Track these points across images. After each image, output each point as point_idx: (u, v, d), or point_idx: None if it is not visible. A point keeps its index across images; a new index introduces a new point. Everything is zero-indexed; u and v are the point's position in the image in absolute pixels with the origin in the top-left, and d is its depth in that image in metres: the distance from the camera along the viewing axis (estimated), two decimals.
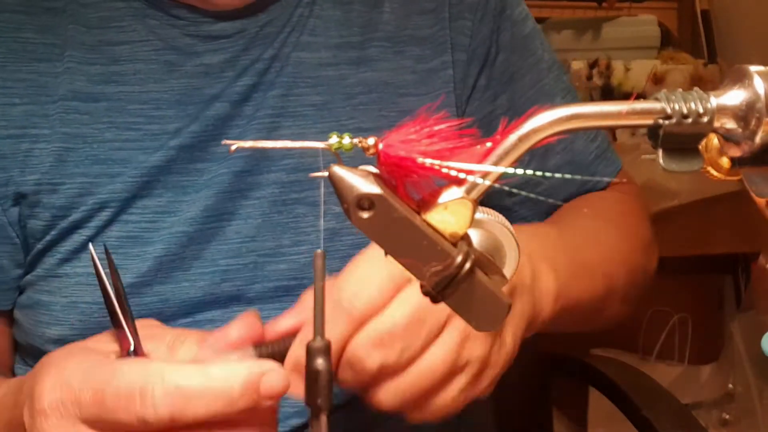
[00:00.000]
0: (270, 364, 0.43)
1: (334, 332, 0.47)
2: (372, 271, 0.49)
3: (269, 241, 0.64)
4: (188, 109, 0.64)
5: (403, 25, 0.70)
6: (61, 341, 0.62)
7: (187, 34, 0.64)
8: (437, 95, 0.70)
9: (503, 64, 0.74)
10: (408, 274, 0.45)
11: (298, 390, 0.42)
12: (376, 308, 0.48)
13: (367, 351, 0.48)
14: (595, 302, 0.67)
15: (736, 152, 0.32)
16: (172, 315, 0.63)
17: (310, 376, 0.33)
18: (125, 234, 0.63)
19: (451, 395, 0.51)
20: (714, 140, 0.34)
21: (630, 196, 0.80)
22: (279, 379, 0.42)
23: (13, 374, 0.68)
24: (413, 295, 0.48)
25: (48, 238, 0.62)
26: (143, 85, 0.63)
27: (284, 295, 0.64)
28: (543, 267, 0.58)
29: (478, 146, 0.31)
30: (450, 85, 0.71)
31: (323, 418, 0.33)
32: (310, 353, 0.33)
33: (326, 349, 0.33)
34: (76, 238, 0.62)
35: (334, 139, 0.32)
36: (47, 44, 0.63)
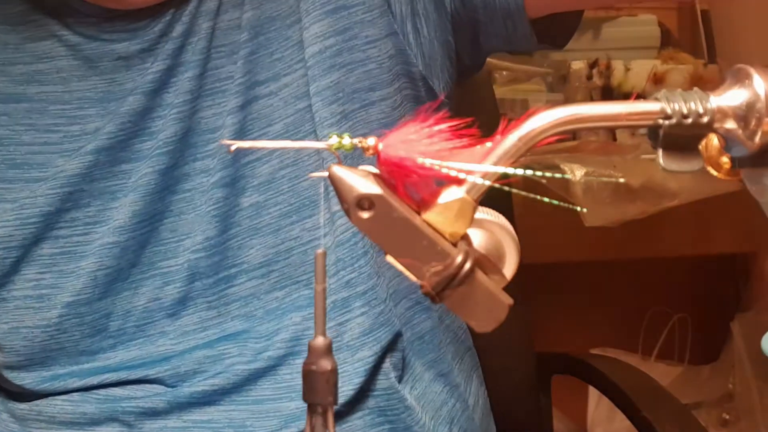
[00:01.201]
0: None
1: None
2: None
3: (200, 235, 0.61)
4: (110, 106, 0.60)
5: None
6: (11, 367, 0.61)
7: (102, 30, 0.60)
8: (323, 13, 0.62)
9: None
10: None
11: None
12: None
13: None
14: None
15: (735, 152, 0.32)
16: (118, 330, 0.61)
17: (313, 375, 0.33)
18: (57, 250, 0.59)
19: None
20: (714, 140, 0.34)
21: None
22: None
23: None
24: None
25: None
26: (66, 84, 0.60)
27: (227, 286, 0.61)
28: None
29: (478, 146, 0.32)
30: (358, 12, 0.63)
31: (330, 415, 0.33)
32: (313, 352, 0.33)
33: (329, 348, 0.33)
34: (7, 260, 0.59)
35: (334, 140, 0.32)
36: None
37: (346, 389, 0.60)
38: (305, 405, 0.32)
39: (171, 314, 0.61)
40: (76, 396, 0.61)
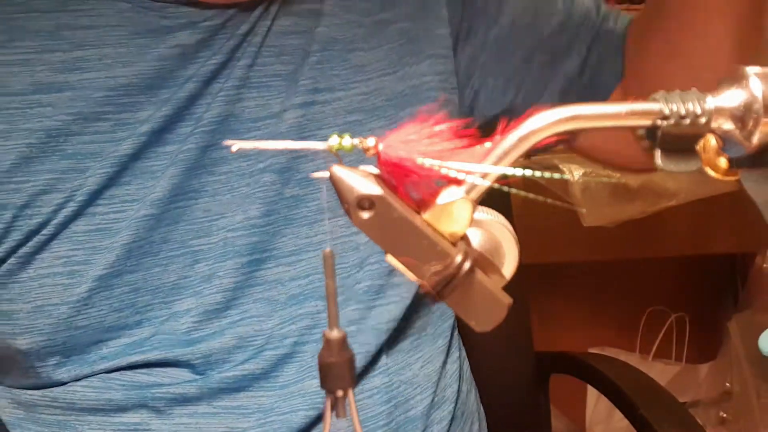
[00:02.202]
0: None
1: None
2: None
3: (238, 215, 0.62)
4: (160, 93, 0.60)
5: None
6: (32, 351, 0.59)
7: (165, 16, 0.60)
8: (390, 48, 0.69)
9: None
10: None
11: None
12: None
13: None
14: None
15: (733, 153, 0.32)
16: (145, 306, 0.60)
17: (331, 367, 0.33)
18: (93, 227, 0.59)
19: None
20: (711, 141, 0.34)
21: None
22: None
23: None
24: None
25: (6, 240, 0.58)
26: (110, 70, 0.59)
27: (256, 269, 0.63)
28: None
29: (478, 146, 0.32)
30: (403, 38, 0.70)
31: (351, 395, 0.33)
32: (328, 345, 0.33)
33: (344, 340, 0.33)
34: (38, 238, 0.58)
35: (334, 140, 0.32)
36: None
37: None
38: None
39: (197, 292, 0.62)
40: (96, 381, 0.61)
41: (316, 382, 0.59)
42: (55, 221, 0.58)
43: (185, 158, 0.60)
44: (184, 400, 0.61)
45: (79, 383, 0.61)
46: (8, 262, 0.58)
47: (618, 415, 0.87)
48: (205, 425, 0.61)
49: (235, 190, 0.62)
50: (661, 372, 1.57)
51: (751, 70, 0.31)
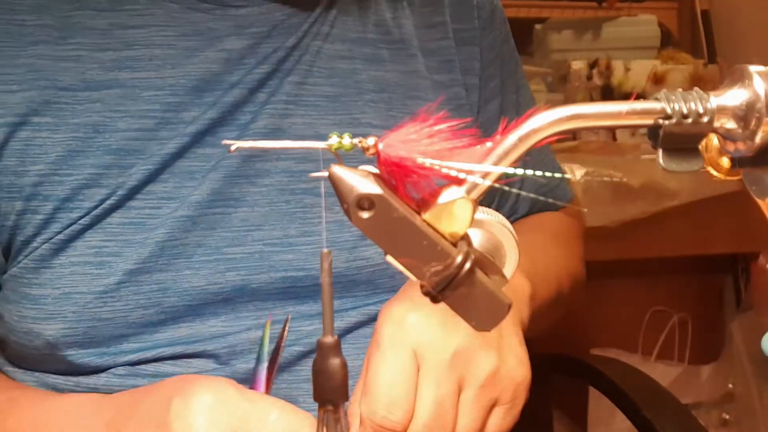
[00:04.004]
0: None
1: None
2: (393, 375, 0.53)
3: (276, 230, 0.63)
4: (205, 96, 0.62)
5: (414, 33, 0.72)
6: (56, 337, 0.60)
7: (212, 19, 0.63)
8: (448, 108, 0.71)
9: (499, 74, 0.79)
10: (412, 353, 0.52)
11: None
12: (410, 413, 0.52)
13: None
14: (550, 303, 0.73)
15: (735, 152, 0.32)
16: (171, 307, 0.61)
17: (324, 374, 0.33)
18: (127, 220, 0.60)
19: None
20: (714, 140, 0.34)
21: (573, 218, 0.90)
22: None
23: None
24: (429, 387, 0.53)
25: (45, 230, 0.59)
26: (159, 71, 0.61)
27: (290, 286, 0.63)
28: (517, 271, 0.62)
29: (478, 146, 0.31)
30: (461, 101, 0.73)
31: (341, 411, 0.33)
32: (323, 351, 0.33)
33: (337, 346, 0.33)
34: (74, 228, 0.59)
35: (334, 139, 0.32)
36: (43, 25, 0.60)
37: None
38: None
39: (228, 299, 0.62)
40: (121, 370, 0.61)
41: None
42: (92, 213, 0.59)
43: (228, 164, 0.61)
44: None
45: (102, 374, 0.62)
46: (42, 248, 0.59)
47: (620, 416, 0.87)
48: None
49: (274, 204, 0.63)
50: (663, 373, 1.56)
51: (754, 69, 0.31)
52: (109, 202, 0.59)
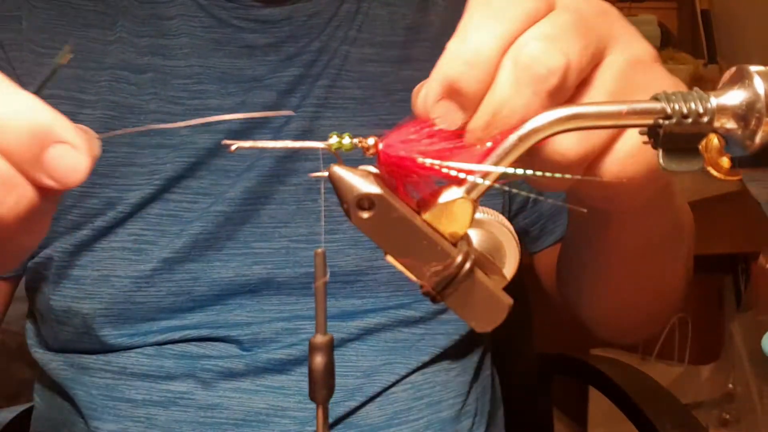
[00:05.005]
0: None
1: (488, 33, 0.32)
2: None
3: (302, 228, 0.65)
4: (229, 87, 0.65)
5: (446, 29, 0.71)
6: (91, 316, 0.63)
7: (235, 17, 0.65)
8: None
9: None
10: None
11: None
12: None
13: (545, 47, 0.32)
14: (672, 241, 0.53)
15: (735, 152, 0.32)
16: (201, 295, 0.64)
17: (311, 372, 0.33)
18: (165, 212, 0.63)
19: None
20: (714, 140, 0.34)
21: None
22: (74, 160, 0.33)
23: None
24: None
25: (86, 207, 0.62)
26: (187, 59, 0.64)
27: (313, 281, 0.64)
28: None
29: (478, 146, 0.31)
30: None
31: (320, 412, 0.33)
32: (314, 350, 0.33)
33: (330, 345, 0.33)
34: (115, 215, 0.62)
35: (334, 139, 0.32)
36: (99, 12, 0.64)
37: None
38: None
39: (253, 291, 0.65)
40: (149, 350, 0.64)
41: (358, 381, 0.65)
42: (131, 200, 0.63)
43: (262, 164, 0.64)
44: (230, 375, 0.64)
45: (132, 351, 0.64)
46: (84, 232, 0.63)
47: (620, 416, 0.87)
48: (248, 400, 0.64)
49: (301, 203, 0.65)
50: (663, 373, 1.56)
51: (754, 69, 0.31)
52: (147, 190, 0.62)
